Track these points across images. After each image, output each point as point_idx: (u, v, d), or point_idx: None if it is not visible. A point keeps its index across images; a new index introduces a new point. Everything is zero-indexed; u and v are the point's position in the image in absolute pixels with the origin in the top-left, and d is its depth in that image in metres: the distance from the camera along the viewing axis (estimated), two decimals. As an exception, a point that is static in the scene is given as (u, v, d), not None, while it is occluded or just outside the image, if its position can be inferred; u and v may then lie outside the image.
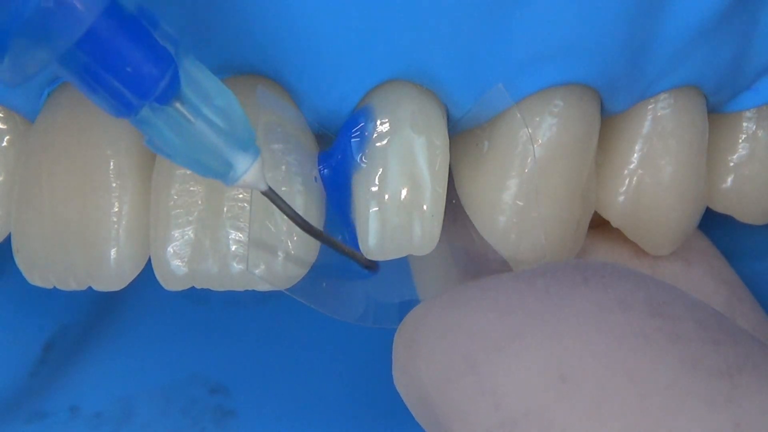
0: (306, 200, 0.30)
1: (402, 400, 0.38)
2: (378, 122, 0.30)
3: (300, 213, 0.30)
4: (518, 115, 0.31)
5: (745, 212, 0.37)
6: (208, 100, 0.24)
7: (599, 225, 0.35)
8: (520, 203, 0.31)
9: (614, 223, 0.34)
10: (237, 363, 0.41)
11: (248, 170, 0.25)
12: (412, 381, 0.26)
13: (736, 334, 0.24)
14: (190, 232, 0.30)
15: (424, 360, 0.26)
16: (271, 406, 0.39)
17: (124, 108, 0.22)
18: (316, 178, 0.30)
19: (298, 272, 0.31)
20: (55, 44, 0.20)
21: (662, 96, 0.33)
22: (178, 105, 0.23)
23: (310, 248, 0.31)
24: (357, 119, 0.30)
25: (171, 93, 0.23)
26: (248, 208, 0.30)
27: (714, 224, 0.37)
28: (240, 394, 0.40)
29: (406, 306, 0.32)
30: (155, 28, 0.23)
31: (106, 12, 0.21)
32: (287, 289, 0.30)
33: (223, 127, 0.24)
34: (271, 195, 0.26)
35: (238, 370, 0.40)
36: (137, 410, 0.39)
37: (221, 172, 0.25)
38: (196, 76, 0.23)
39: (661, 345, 0.23)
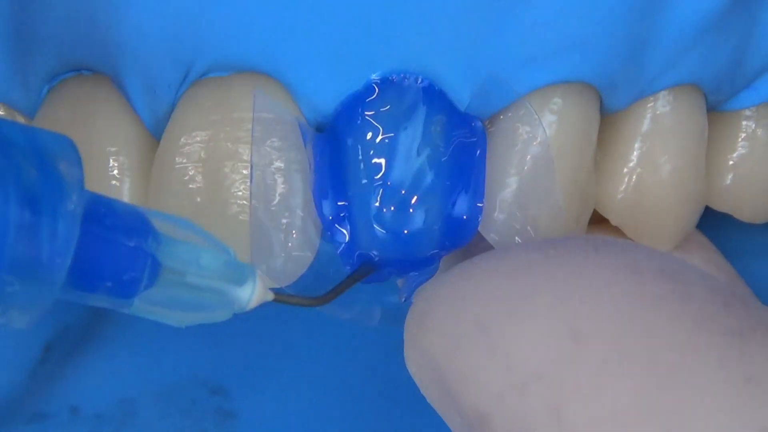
0: (306, 199, 0.30)
1: (402, 401, 0.38)
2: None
3: (299, 210, 0.30)
4: (517, 112, 0.31)
5: (745, 211, 0.37)
6: (191, 265, 0.25)
7: (598, 222, 0.35)
8: (520, 202, 0.31)
9: (613, 221, 0.34)
10: (237, 364, 0.41)
11: (251, 298, 0.26)
12: (423, 354, 0.26)
13: (747, 301, 0.25)
14: (189, 230, 0.30)
15: (435, 330, 0.26)
16: (271, 407, 0.39)
17: (118, 308, 0.24)
18: (311, 164, 0.30)
19: (297, 270, 0.30)
20: (43, 293, 0.21)
21: (662, 94, 0.33)
22: (163, 281, 0.24)
23: (310, 246, 0.31)
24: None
25: (153, 278, 0.24)
26: (247, 206, 0.30)
27: (714, 224, 0.37)
28: (240, 395, 0.40)
29: (404, 304, 0.32)
30: (122, 231, 0.23)
31: (76, 250, 0.22)
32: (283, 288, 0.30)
33: (214, 281, 0.25)
34: (281, 298, 0.27)
35: (239, 372, 0.40)
36: (138, 411, 0.39)
37: (227, 313, 0.26)
38: (173, 251, 0.24)
39: (672, 305, 0.23)
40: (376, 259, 0.30)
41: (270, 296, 0.26)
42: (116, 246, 0.23)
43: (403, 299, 0.30)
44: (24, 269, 0.20)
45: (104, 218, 0.23)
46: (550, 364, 0.23)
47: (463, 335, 0.25)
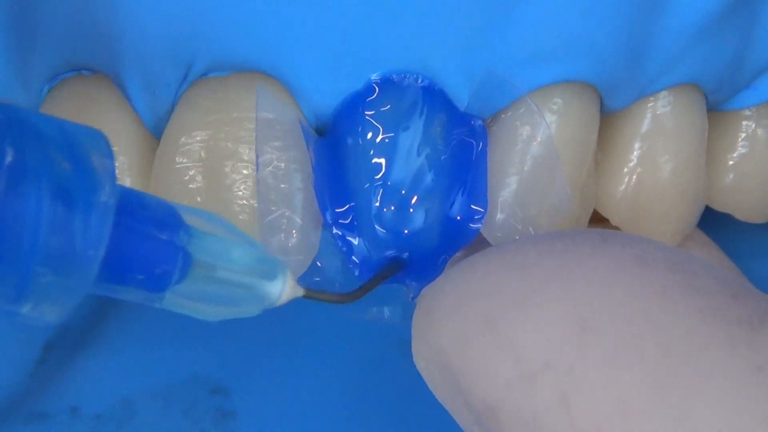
0: (305, 198, 0.30)
1: (403, 401, 0.38)
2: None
3: (299, 211, 0.30)
4: (518, 110, 0.31)
5: (745, 210, 0.37)
6: (223, 259, 0.24)
7: (598, 222, 0.35)
8: (521, 201, 0.31)
9: (613, 220, 0.34)
10: (237, 364, 0.41)
11: (282, 293, 0.25)
12: (432, 348, 0.26)
13: (755, 292, 0.25)
14: (189, 229, 0.30)
15: (444, 324, 0.26)
16: (272, 407, 0.39)
17: (149, 302, 0.24)
18: (313, 167, 0.30)
19: (297, 271, 0.31)
20: (74, 288, 0.21)
21: (662, 94, 0.33)
22: (195, 275, 0.24)
23: (312, 243, 0.31)
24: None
25: (185, 272, 0.24)
26: (248, 205, 0.30)
27: (714, 224, 0.37)
28: (240, 395, 0.40)
29: (406, 301, 0.32)
30: (154, 224, 0.23)
31: (109, 243, 0.22)
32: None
33: (245, 276, 0.25)
34: (311, 294, 0.27)
35: (239, 371, 0.40)
36: (137, 411, 0.39)
37: (257, 308, 0.26)
38: (205, 245, 0.24)
39: (680, 296, 0.23)
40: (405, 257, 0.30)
41: (300, 292, 0.26)
42: (149, 239, 0.23)
43: (411, 297, 0.31)
44: (57, 261, 0.20)
45: (136, 211, 0.23)
46: (558, 355, 0.23)
47: (471, 329, 0.25)
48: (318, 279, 0.31)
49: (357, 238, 0.30)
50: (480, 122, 0.31)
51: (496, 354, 0.24)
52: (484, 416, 0.24)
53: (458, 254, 0.31)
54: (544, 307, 0.24)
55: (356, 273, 0.31)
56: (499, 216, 0.31)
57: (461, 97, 0.30)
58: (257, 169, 0.29)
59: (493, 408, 0.24)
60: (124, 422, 0.39)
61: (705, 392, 0.22)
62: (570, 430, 0.22)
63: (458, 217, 0.31)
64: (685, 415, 0.21)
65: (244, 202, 0.30)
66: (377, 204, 0.30)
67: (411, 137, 0.30)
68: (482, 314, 0.25)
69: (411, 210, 0.30)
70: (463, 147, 0.31)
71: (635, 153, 0.34)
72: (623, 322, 0.23)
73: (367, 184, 0.30)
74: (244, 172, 0.30)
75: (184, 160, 0.30)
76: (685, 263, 0.25)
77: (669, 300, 0.23)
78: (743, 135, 0.36)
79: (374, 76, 0.30)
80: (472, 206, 0.31)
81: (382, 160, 0.30)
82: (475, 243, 0.31)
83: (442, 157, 0.30)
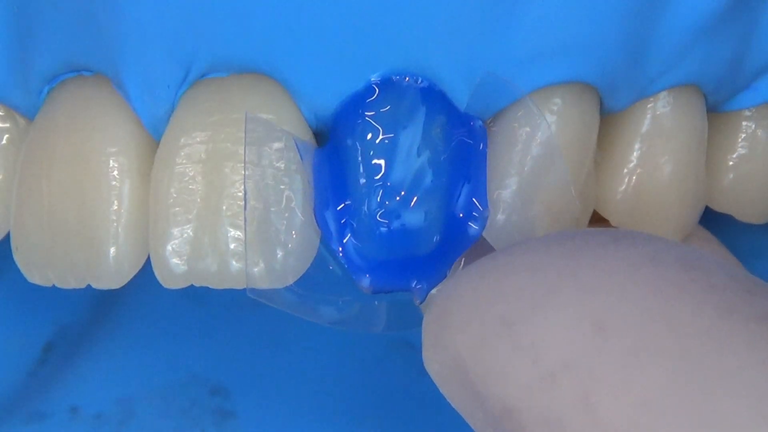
0: (305, 198, 0.30)
1: (402, 401, 0.38)
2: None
3: (300, 210, 0.30)
4: (518, 111, 0.31)
5: (745, 211, 0.37)
6: None
7: (598, 222, 0.35)
8: (522, 201, 0.31)
9: (613, 221, 0.34)
10: (237, 364, 0.41)
11: None
12: (446, 353, 0.26)
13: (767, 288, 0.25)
14: (189, 230, 0.30)
15: (459, 328, 0.26)
16: (272, 407, 0.39)
17: None
18: (309, 181, 0.30)
19: (298, 271, 0.30)
20: None
21: (662, 95, 0.33)
22: None
23: (309, 247, 0.31)
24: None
25: None
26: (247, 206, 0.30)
27: (714, 224, 0.37)
28: (240, 395, 0.40)
29: (396, 309, 0.32)
30: None
31: None
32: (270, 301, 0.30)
33: None
34: None
35: (239, 371, 0.40)
36: (137, 411, 0.39)
37: None
38: None
39: (696, 294, 0.23)
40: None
41: None
42: None
43: (419, 302, 0.30)
44: None
45: None
46: (577, 355, 0.23)
47: (488, 331, 0.25)
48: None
49: (356, 240, 0.30)
50: (480, 123, 0.31)
51: (514, 356, 0.24)
52: (503, 419, 0.24)
53: (460, 256, 0.31)
54: (560, 308, 0.24)
55: (365, 278, 0.31)
56: (500, 217, 0.31)
57: (461, 97, 0.30)
58: (244, 172, 0.29)
59: (511, 410, 0.24)
60: (124, 422, 0.39)
61: (726, 389, 0.22)
62: (594, 430, 0.22)
63: (459, 218, 0.31)
64: (707, 412, 0.21)
65: (245, 203, 0.30)
66: (376, 205, 0.30)
67: (411, 138, 0.30)
68: (499, 317, 0.25)
69: (411, 211, 0.30)
70: (463, 148, 0.31)
71: (635, 153, 0.34)
72: (640, 321, 0.23)
73: (367, 185, 0.30)
74: (245, 173, 0.30)
75: (184, 161, 0.30)
76: (698, 261, 0.25)
77: (685, 298, 0.23)
78: (743, 135, 0.36)
79: (374, 77, 0.30)
80: (473, 207, 0.31)
81: (382, 161, 0.30)
82: (476, 244, 0.31)
83: (442, 158, 0.30)
